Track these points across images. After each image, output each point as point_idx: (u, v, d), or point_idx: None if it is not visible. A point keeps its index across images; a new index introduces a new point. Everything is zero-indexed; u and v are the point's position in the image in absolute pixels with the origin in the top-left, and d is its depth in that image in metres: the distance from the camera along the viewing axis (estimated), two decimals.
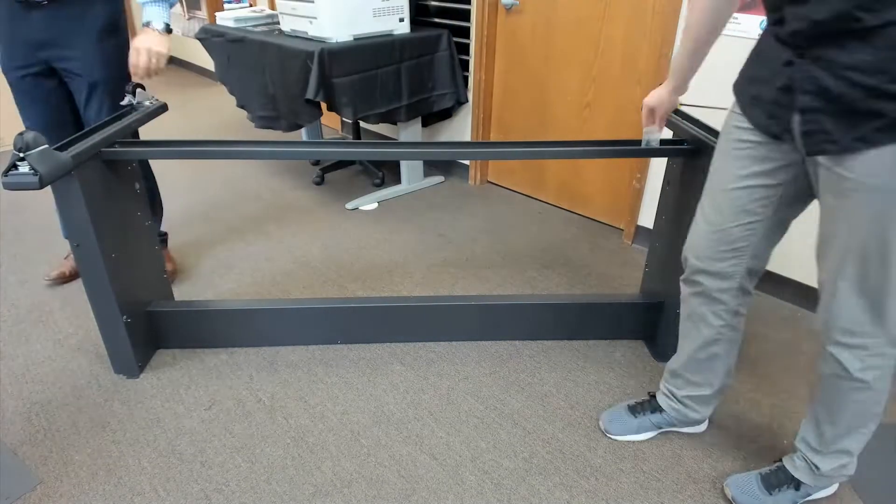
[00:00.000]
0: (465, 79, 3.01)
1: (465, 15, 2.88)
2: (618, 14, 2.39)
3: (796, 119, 1.05)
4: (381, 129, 3.64)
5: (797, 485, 1.33)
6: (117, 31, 1.89)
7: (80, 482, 1.44)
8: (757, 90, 1.16)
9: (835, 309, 1.10)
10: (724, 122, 1.28)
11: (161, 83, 5.46)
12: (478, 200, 3.07)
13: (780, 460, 1.38)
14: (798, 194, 1.19)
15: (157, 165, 2.23)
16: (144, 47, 1.79)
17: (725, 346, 1.41)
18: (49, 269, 2.26)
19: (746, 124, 1.19)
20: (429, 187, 3.21)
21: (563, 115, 2.75)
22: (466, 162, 3.27)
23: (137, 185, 1.77)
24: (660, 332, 1.92)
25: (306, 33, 2.61)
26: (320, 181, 3.23)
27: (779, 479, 1.35)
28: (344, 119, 3.82)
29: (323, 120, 3.66)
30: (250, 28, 2.89)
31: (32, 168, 1.29)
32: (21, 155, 1.29)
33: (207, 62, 5.10)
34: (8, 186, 1.29)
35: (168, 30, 1.84)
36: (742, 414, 1.67)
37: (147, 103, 1.81)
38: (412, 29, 2.78)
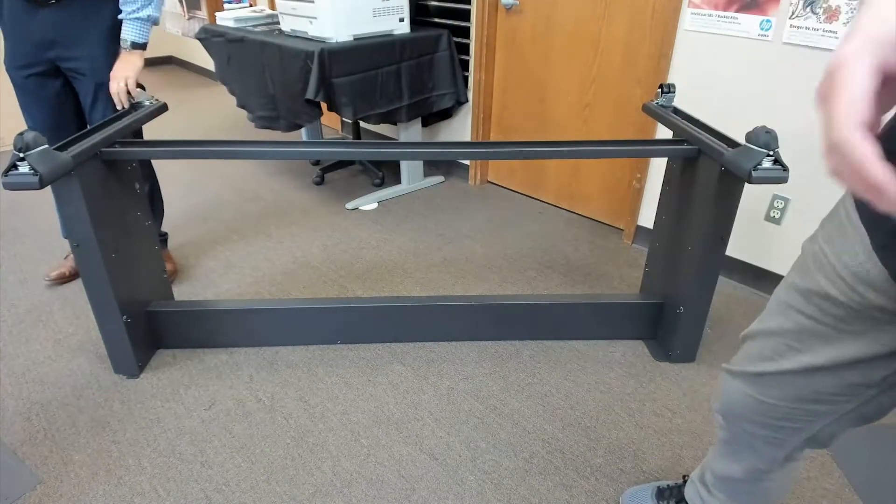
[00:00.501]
0: (465, 79, 3.01)
1: (465, 15, 2.88)
2: (618, 14, 2.39)
3: None
4: (381, 129, 3.64)
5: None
6: (116, 40, 1.88)
7: (80, 482, 1.44)
8: None
9: None
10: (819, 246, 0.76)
11: (161, 83, 5.46)
12: (478, 200, 3.06)
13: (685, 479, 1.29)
14: None
15: (156, 165, 2.23)
16: (122, 76, 1.79)
17: (779, 484, 1.07)
18: (49, 269, 2.26)
19: (874, 273, 0.67)
20: (429, 187, 3.21)
21: (563, 115, 2.75)
22: (466, 162, 3.27)
23: (137, 185, 1.77)
24: (660, 332, 1.92)
25: (306, 33, 2.61)
26: (320, 181, 3.23)
27: (672, 493, 1.30)
28: (344, 119, 3.82)
29: (323, 120, 3.67)
30: (250, 28, 2.89)
31: (32, 168, 1.29)
32: (21, 155, 1.29)
33: (207, 62, 5.10)
34: (8, 186, 1.29)
35: (139, 47, 1.83)
36: None
37: (147, 103, 1.82)
38: (412, 29, 2.78)
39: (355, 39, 2.56)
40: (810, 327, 0.77)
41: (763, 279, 2.23)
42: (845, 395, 0.79)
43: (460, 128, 3.19)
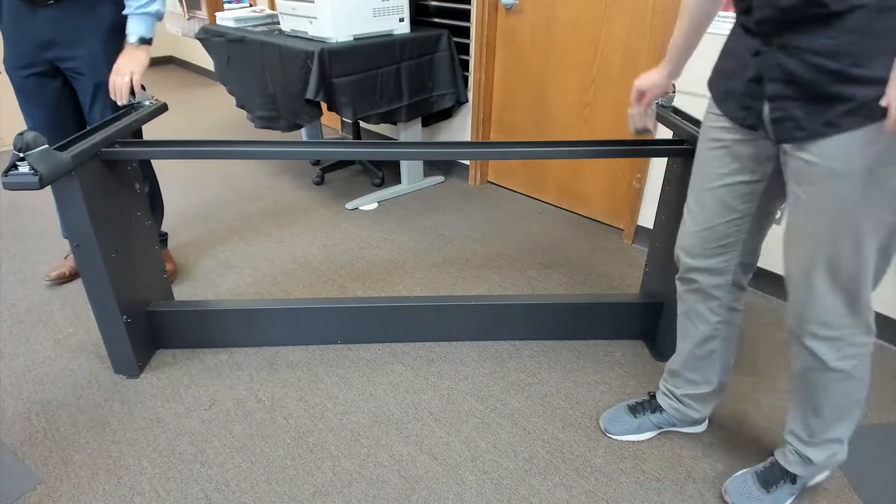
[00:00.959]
0: (465, 79, 3.01)
1: (465, 15, 2.88)
2: (618, 14, 2.39)
3: (766, 108, 1.06)
4: (381, 129, 3.64)
5: (793, 478, 1.34)
6: (124, 32, 1.88)
7: (80, 482, 1.44)
8: (729, 84, 1.16)
9: (810, 303, 1.10)
10: (703, 120, 1.29)
11: (161, 83, 5.46)
12: (478, 200, 3.07)
13: (773, 454, 1.38)
14: (780, 187, 1.18)
15: (156, 165, 2.23)
16: (127, 69, 1.78)
17: (722, 343, 1.41)
18: (49, 269, 2.26)
19: (723, 121, 1.20)
20: (429, 187, 3.21)
21: (563, 115, 2.75)
22: (466, 162, 3.27)
23: (137, 185, 1.77)
24: (660, 332, 1.92)
25: (306, 33, 2.61)
26: (320, 181, 3.23)
27: (774, 476, 1.35)
28: (344, 119, 3.82)
29: (323, 120, 3.67)
30: (250, 28, 2.89)
31: (32, 168, 1.29)
32: (21, 155, 1.29)
33: (207, 62, 5.10)
34: (8, 186, 1.29)
35: (145, 41, 1.82)
36: (742, 414, 1.67)
37: (147, 103, 1.81)
38: (412, 29, 2.78)
39: (355, 39, 2.56)
40: (715, 155, 1.24)
41: (763, 279, 2.23)
42: (747, 196, 1.22)
43: (460, 128, 3.19)
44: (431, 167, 3.38)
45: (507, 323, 1.94)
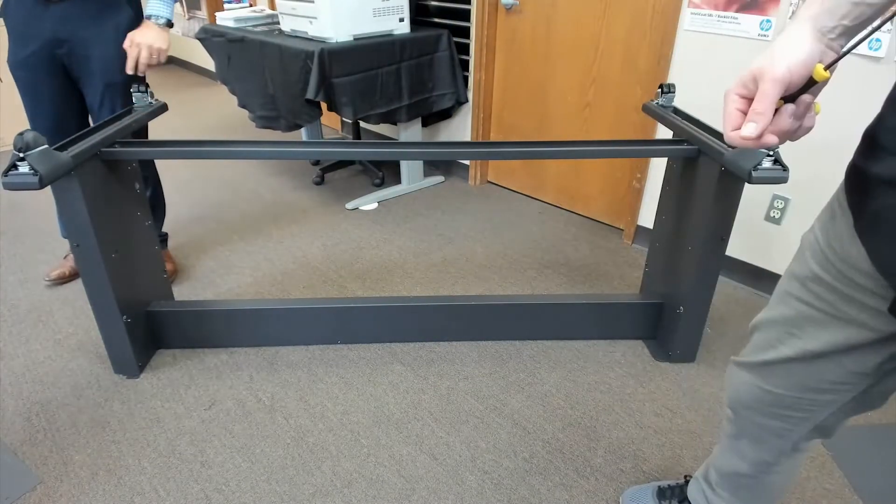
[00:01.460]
0: (465, 79, 3.01)
1: (465, 15, 2.88)
2: (618, 14, 2.39)
3: None
4: (381, 129, 3.64)
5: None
6: None
7: (80, 482, 1.44)
8: None
9: None
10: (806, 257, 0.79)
11: (161, 83, 5.46)
12: (478, 200, 3.06)
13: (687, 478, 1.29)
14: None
15: (157, 165, 2.23)
16: (145, 43, 1.79)
17: (783, 477, 1.08)
18: (49, 269, 2.26)
19: (859, 257, 0.68)
20: (429, 187, 3.21)
21: (563, 115, 2.75)
22: (466, 162, 3.27)
23: (137, 185, 1.77)
24: (660, 332, 1.92)
25: (306, 33, 2.61)
26: (320, 181, 3.23)
27: (674, 493, 1.30)
28: (344, 119, 3.82)
29: (323, 120, 3.67)
30: (250, 28, 2.89)
31: (32, 168, 1.29)
32: (21, 155, 1.29)
33: (207, 62, 5.10)
34: (8, 186, 1.29)
35: (169, 24, 1.84)
36: None
37: (149, 101, 1.81)
38: (412, 29, 2.78)
39: (355, 39, 2.56)
40: (807, 313, 0.79)
41: (763, 279, 2.23)
42: (845, 383, 0.80)
43: (460, 128, 3.19)
44: (431, 167, 3.38)
45: (507, 323, 1.94)
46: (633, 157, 2.47)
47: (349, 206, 2.95)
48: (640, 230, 2.57)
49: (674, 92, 1.82)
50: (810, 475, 1.48)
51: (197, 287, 2.26)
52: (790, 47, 0.60)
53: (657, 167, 2.42)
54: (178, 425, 1.62)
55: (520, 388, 1.76)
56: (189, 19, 5.44)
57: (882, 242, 0.64)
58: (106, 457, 1.51)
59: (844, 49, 0.61)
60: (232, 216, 2.85)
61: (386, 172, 3.25)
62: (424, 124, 3.13)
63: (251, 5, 4.38)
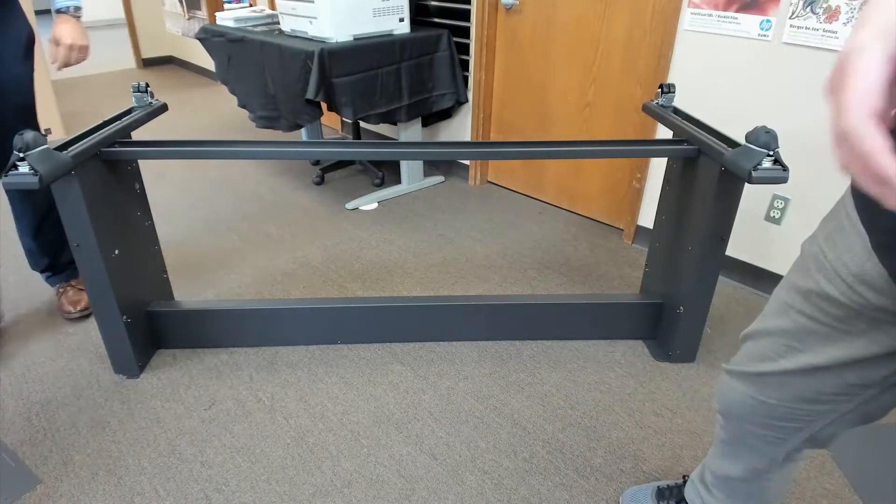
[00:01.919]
0: (465, 79, 3.01)
1: (465, 15, 2.88)
2: (618, 14, 2.39)
3: None
4: (381, 129, 3.64)
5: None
6: (33, 51, 1.75)
7: (80, 482, 1.44)
8: None
9: None
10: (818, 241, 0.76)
11: (161, 83, 5.46)
12: (478, 200, 3.06)
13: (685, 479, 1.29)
14: None
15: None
16: (67, 42, 1.68)
17: (777, 483, 1.06)
18: (65, 303, 2.05)
19: (873, 273, 0.67)
20: (429, 187, 3.21)
21: (563, 115, 2.75)
22: (466, 162, 3.27)
23: (137, 185, 1.77)
24: (660, 332, 1.92)
25: (306, 33, 2.61)
26: (320, 181, 3.23)
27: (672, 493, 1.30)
28: (344, 119, 3.82)
29: (323, 120, 3.67)
30: (250, 28, 2.89)
31: (32, 168, 1.29)
32: (21, 155, 1.29)
33: (207, 62, 5.10)
34: (8, 186, 1.29)
35: (79, 13, 1.72)
36: None
37: (149, 101, 1.81)
38: (412, 29, 2.78)
39: (355, 39, 2.56)
40: (810, 327, 0.77)
41: (763, 279, 2.23)
42: (845, 395, 0.79)
43: (460, 128, 3.19)
44: (431, 167, 3.38)
45: (507, 323, 1.94)
46: (633, 157, 2.47)
47: (349, 206, 2.96)
48: (640, 230, 2.57)
49: (674, 92, 1.82)
50: (810, 475, 1.48)
51: (197, 287, 2.26)
52: None
53: (657, 167, 2.42)
54: (178, 425, 1.62)
55: (520, 388, 1.77)
56: (189, 19, 5.44)
57: None
58: (106, 457, 1.51)
59: None
60: (232, 216, 2.85)
61: (386, 172, 3.25)
62: (424, 124, 3.13)
63: (251, 5, 4.38)
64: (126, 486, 1.43)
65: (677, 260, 1.77)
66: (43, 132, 1.65)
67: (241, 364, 1.85)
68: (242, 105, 3.02)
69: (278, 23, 2.86)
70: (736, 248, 2.25)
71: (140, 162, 1.80)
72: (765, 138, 1.36)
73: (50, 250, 2.02)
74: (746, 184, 1.40)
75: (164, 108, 1.86)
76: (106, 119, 1.66)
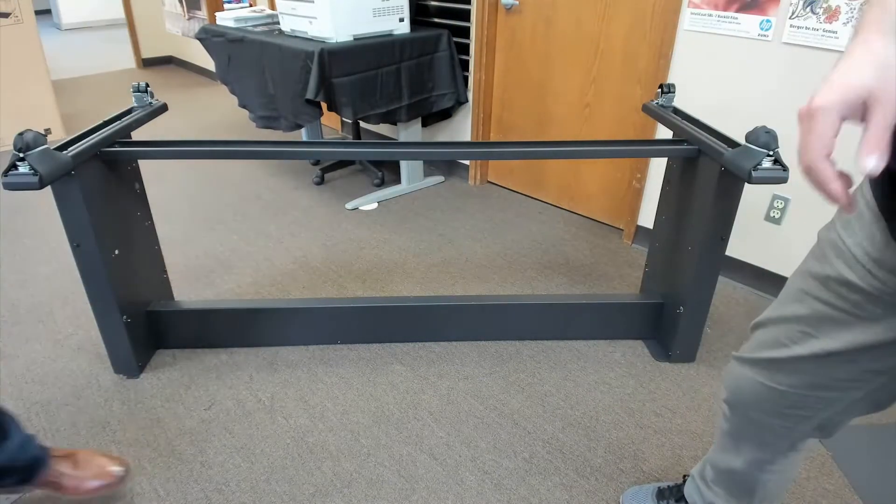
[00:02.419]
0: (465, 79, 3.01)
1: (465, 15, 2.88)
2: (618, 14, 2.39)
3: None
4: (381, 129, 3.64)
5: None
6: None
7: None
8: None
9: None
10: (828, 235, 0.78)
11: (161, 83, 5.46)
12: (478, 200, 3.06)
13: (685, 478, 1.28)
14: None
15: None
16: None
17: (779, 476, 1.06)
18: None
19: (893, 258, 0.68)
20: (429, 187, 3.21)
21: (563, 115, 2.75)
22: (466, 162, 3.27)
23: (137, 185, 1.77)
24: (660, 332, 1.92)
25: (306, 33, 2.61)
26: (320, 181, 3.23)
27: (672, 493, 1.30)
28: (344, 119, 3.83)
29: (323, 120, 3.66)
30: (250, 28, 2.89)
31: (32, 168, 1.29)
32: (21, 155, 1.29)
33: (207, 62, 5.10)
34: (8, 186, 1.29)
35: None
36: None
37: (149, 101, 1.81)
38: (412, 29, 2.78)
39: (355, 39, 2.56)
40: (826, 313, 0.78)
41: (763, 279, 2.23)
42: (857, 382, 0.80)
43: (460, 128, 3.19)
44: (431, 167, 3.38)
45: (507, 323, 1.94)
46: (633, 157, 2.47)
47: (349, 206, 2.96)
48: (640, 230, 2.57)
49: (674, 92, 1.82)
50: (810, 475, 1.48)
51: (197, 287, 2.26)
52: None
53: (657, 167, 2.42)
54: (178, 425, 1.62)
55: (520, 388, 1.77)
56: (189, 19, 5.44)
57: None
58: None
59: None
60: (232, 216, 2.85)
61: (386, 172, 3.25)
62: (424, 124, 3.13)
63: (251, 5, 4.38)
64: (126, 486, 1.43)
65: (677, 260, 1.77)
66: (43, 132, 1.64)
67: (241, 364, 1.85)
68: (242, 105, 3.02)
69: (278, 23, 2.86)
70: (736, 248, 2.25)
71: (140, 162, 1.79)
72: (765, 138, 1.36)
73: None
74: (746, 184, 1.40)
75: (164, 108, 1.86)
76: (106, 119, 1.66)
